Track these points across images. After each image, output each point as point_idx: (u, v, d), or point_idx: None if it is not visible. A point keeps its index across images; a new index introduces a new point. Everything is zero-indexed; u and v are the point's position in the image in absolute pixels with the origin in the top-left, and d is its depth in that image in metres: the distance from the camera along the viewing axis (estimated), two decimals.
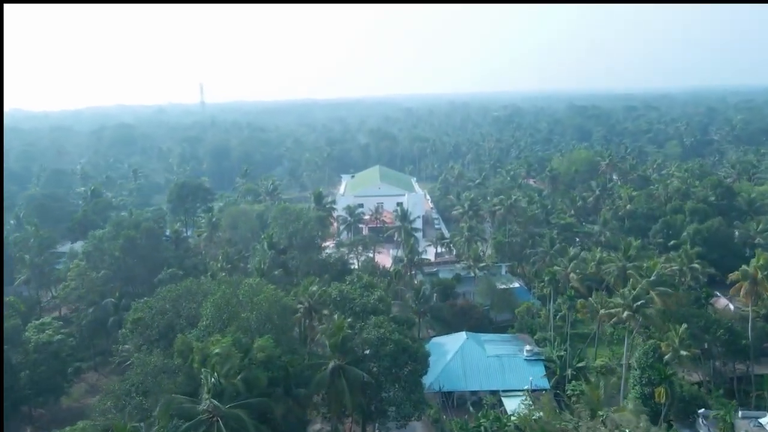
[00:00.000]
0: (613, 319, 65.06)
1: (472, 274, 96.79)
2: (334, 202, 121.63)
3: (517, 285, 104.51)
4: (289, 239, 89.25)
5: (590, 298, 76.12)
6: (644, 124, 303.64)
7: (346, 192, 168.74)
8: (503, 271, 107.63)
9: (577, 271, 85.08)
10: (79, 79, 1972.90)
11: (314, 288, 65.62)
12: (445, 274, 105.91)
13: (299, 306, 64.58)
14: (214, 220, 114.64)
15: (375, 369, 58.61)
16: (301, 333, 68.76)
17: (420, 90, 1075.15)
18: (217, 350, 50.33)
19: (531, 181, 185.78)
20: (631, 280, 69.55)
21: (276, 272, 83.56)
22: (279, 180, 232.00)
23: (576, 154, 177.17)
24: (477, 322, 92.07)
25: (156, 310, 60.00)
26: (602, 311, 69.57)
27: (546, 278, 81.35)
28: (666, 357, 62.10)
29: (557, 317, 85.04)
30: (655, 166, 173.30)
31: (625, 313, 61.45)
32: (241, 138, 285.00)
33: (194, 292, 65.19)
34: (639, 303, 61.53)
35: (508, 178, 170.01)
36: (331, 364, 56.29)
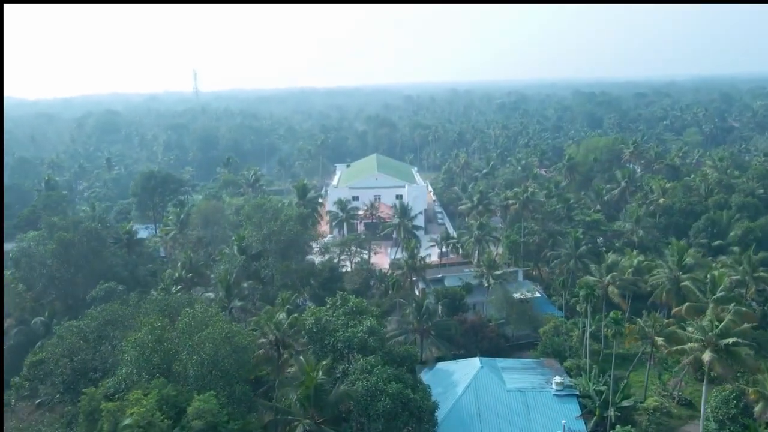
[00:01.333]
0: (688, 359, 48.68)
1: (486, 284, 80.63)
2: (320, 195, 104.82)
3: (537, 295, 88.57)
4: (263, 242, 73.05)
5: (640, 320, 60.04)
6: (659, 110, 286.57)
7: (339, 183, 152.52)
8: (520, 277, 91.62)
9: (618, 282, 68.96)
10: (75, 67, 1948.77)
11: (282, 315, 49.42)
12: (452, 281, 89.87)
13: (262, 341, 48.41)
14: (182, 216, 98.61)
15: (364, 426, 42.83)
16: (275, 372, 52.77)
17: (420, 78, 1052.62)
18: (128, 421, 34.44)
19: (542, 171, 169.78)
20: (711, 306, 53.26)
21: (245, 284, 67.59)
22: (270, 170, 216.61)
23: (594, 141, 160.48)
24: (491, 342, 76.21)
25: (63, 349, 43.82)
26: (659, 341, 53.52)
27: (581, 293, 65.01)
28: (756, 408, 46.02)
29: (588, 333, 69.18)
30: (680, 154, 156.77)
31: (708, 354, 45.23)
32: (231, 125, 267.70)
33: (126, 319, 49.23)
34: (729, 341, 45.06)
35: (519, 168, 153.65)
36: (301, 428, 40.46)
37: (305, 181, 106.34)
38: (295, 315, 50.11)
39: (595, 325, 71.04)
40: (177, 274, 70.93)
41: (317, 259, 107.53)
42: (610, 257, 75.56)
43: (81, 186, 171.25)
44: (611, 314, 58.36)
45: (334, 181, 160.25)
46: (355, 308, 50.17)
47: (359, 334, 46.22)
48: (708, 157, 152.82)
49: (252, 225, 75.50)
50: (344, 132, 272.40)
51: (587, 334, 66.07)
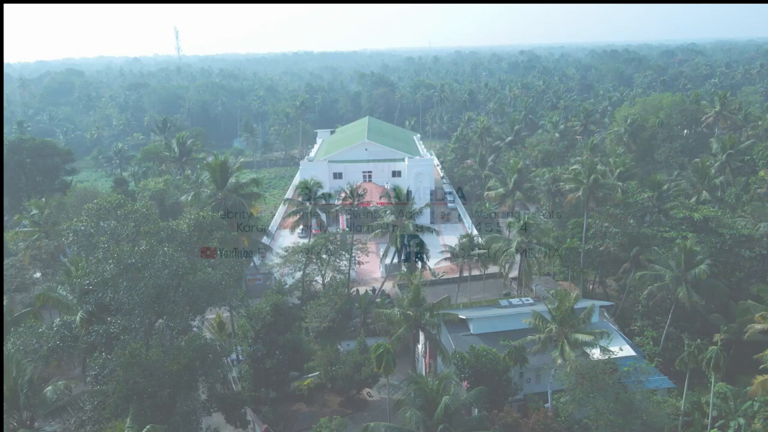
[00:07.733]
0: None
1: (560, 360, 43.54)
2: (255, 184, 65.23)
3: (630, 351, 51.95)
4: (104, 286, 35.53)
5: None
6: (704, 67, 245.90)
7: (318, 155, 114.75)
8: (595, 317, 54.48)
9: None
10: (66, 30, 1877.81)
11: None
12: (481, 326, 53.11)
13: None
14: (46, 212, 61.61)
15: None
16: None
17: (419, 44, 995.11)
18: None
19: (577, 138, 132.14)
20: None
21: (49, 388, 30.78)
22: (241, 139, 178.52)
23: (654, 100, 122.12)
24: None
25: None
26: None
27: None
28: None
29: None
30: None
31: None
32: (200, 84, 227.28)
33: None
34: None
35: (557, 135, 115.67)
36: None
37: (222, 157, 67.08)
38: None
39: None
40: None
41: (277, 272, 72.30)
42: None
43: None
44: None
45: (312, 153, 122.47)
46: None
47: None
48: None
49: (88, 248, 38.05)
50: (335, 93, 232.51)
51: None
